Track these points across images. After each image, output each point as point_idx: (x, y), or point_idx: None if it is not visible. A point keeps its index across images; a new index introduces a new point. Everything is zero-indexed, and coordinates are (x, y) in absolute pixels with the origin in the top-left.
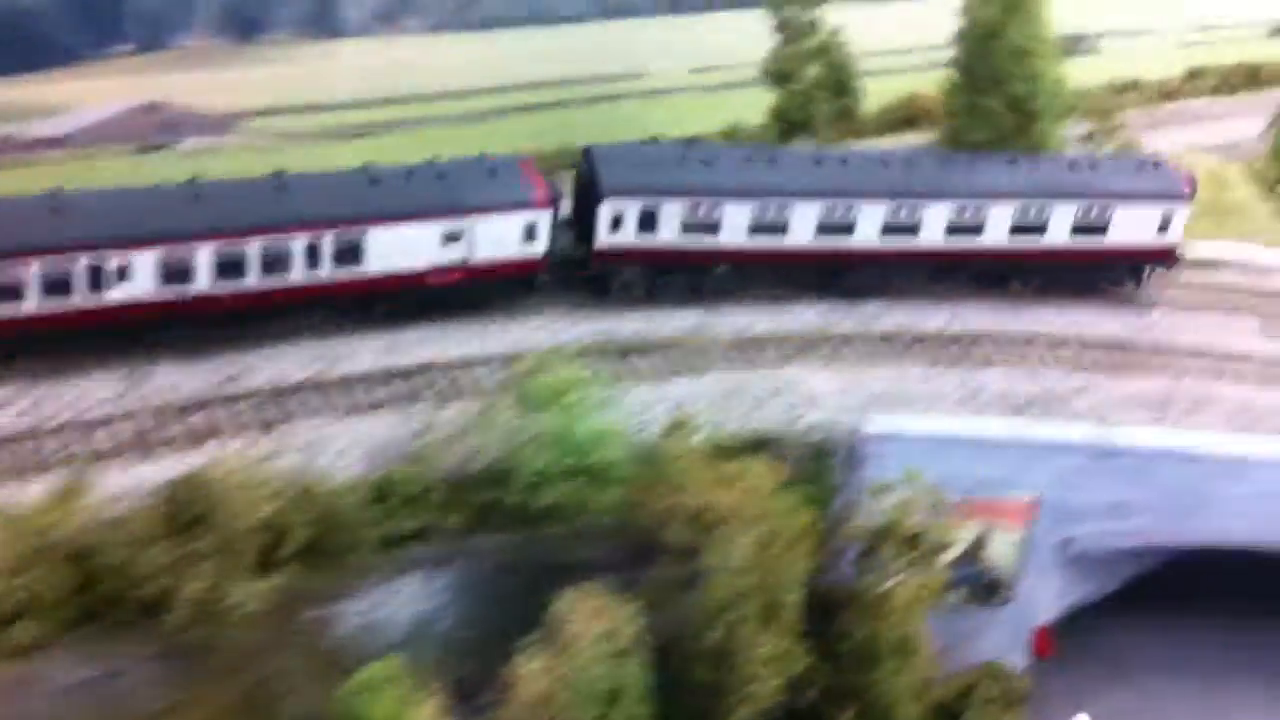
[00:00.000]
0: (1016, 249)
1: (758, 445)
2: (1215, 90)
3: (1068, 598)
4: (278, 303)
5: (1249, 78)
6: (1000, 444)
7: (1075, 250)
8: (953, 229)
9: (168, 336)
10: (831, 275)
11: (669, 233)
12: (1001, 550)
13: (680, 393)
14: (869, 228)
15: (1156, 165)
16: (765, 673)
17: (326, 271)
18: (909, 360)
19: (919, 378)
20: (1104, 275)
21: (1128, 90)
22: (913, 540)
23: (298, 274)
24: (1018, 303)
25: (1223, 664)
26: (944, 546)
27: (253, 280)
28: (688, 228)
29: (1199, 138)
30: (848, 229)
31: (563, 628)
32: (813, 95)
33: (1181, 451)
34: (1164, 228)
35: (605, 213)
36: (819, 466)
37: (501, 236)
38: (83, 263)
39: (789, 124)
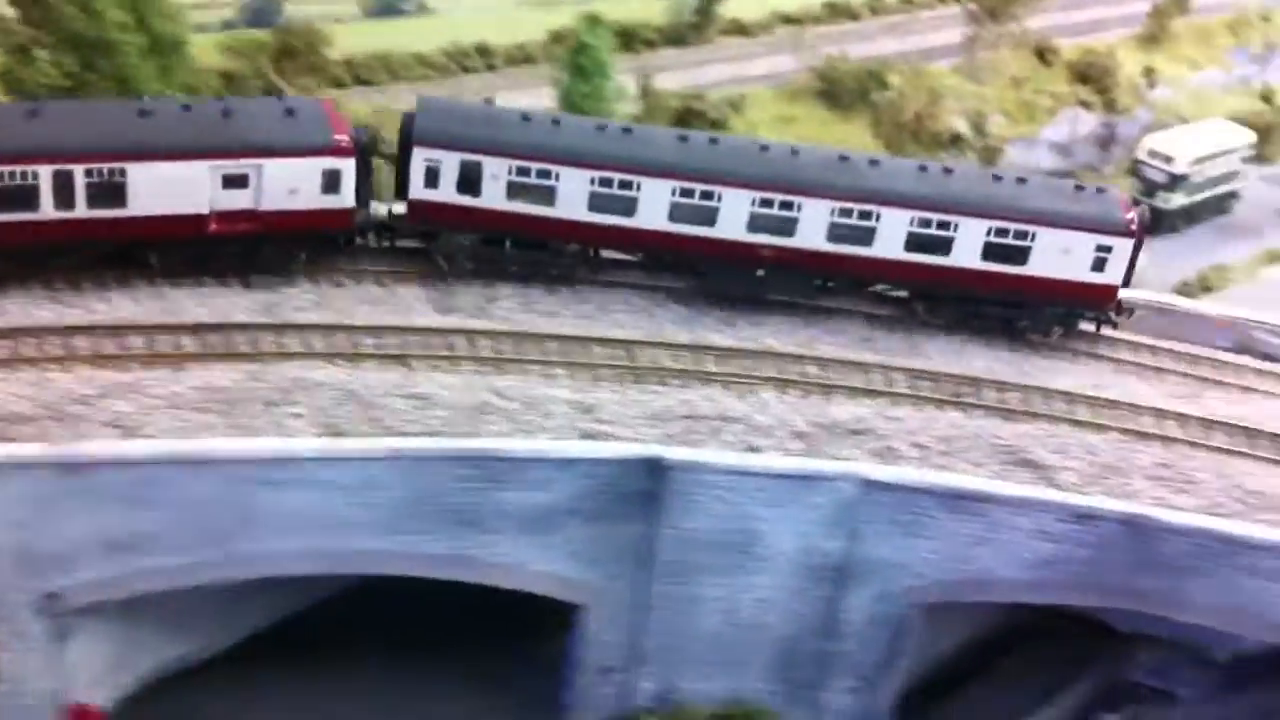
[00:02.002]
0: (912, 264)
1: None
2: None
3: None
4: (18, 243)
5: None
6: None
7: (986, 275)
8: (836, 233)
9: None
10: (691, 268)
11: (494, 196)
12: None
13: None
14: (733, 218)
15: (1100, 190)
16: None
17: (80, 211)
18: None
19: None
20: (1027, 316)
21: (472, 55)
22: None
23: (45, 211)
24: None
25: None
26: None
27: None
28: (515, 191)
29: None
30: (708, 217)
31: None
32: None
33: (196, 459)
34: (1099, 266)
35: (418, 162)
36: None
37: (296, 184)
38: None
39: None
